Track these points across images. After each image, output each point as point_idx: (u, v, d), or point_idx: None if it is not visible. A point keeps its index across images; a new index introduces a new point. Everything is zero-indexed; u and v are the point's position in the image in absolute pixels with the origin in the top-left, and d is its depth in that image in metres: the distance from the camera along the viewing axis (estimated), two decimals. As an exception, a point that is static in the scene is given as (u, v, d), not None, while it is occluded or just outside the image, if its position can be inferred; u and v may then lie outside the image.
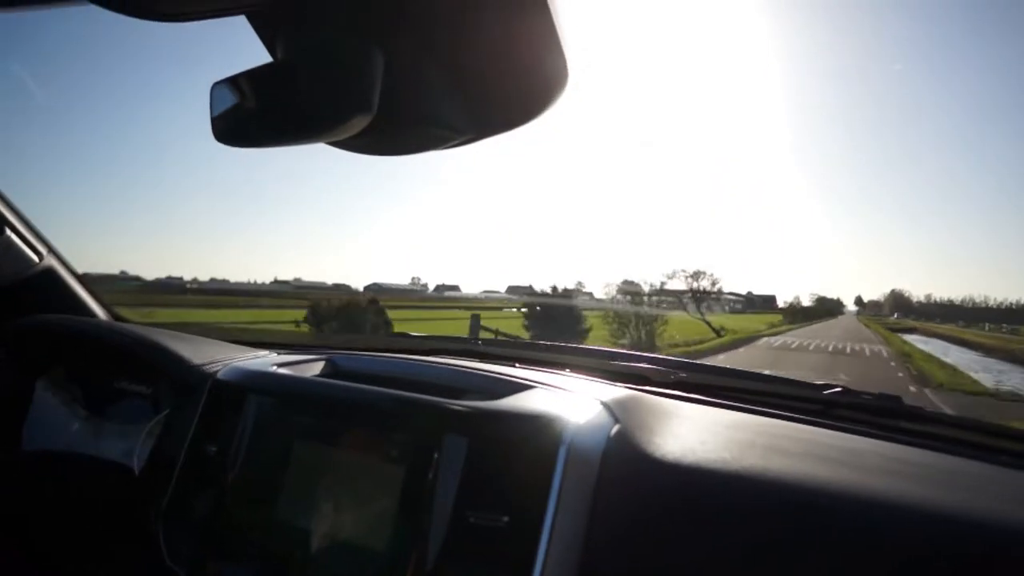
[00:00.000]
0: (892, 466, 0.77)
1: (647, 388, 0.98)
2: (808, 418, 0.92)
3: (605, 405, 0.78)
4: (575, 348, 1.26)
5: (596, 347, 1.25)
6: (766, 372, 1.13)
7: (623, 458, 0.71)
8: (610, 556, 0.67)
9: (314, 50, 0.71)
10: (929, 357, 22.46)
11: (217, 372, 0.95)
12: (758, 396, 0.99)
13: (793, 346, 25.59)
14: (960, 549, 0.59)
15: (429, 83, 0.74)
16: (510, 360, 1.12)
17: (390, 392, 0.76)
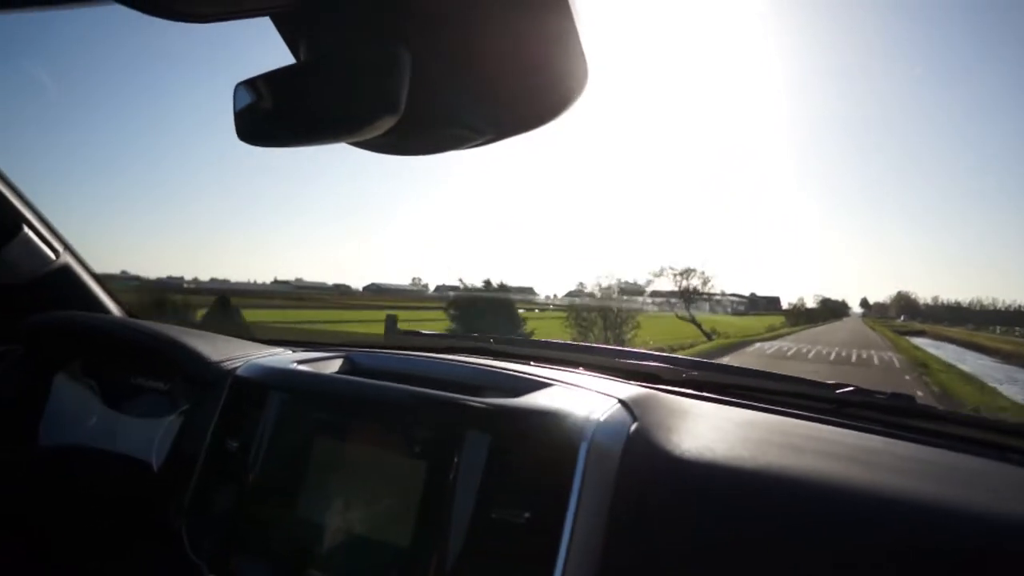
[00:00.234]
0: (906, 464, 0.78)
1: (659, 386, 0.99)
2: (821, 417, 0.93)
3: (623, 403, 0.79)
4: (587, 347, 1.27)
5: (607, 346, 1.26)
6: (776, 372, 1.14)
7: (642, 455, 0.72)
8: (630, 552, 0.68)
9: (340, 51, 0.71)
10: (948, 367, 20.40)
11: (236, 369, 0.96)
12: (770, 395, 1.00)
13: (789, 353, 23.06)
14: (972, 546, 0.60)
15: (451, 84, 0.75)
16: (523, 358, 1.13)
17: (411, 389, 0.77)
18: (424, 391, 0.76)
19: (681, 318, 29.53)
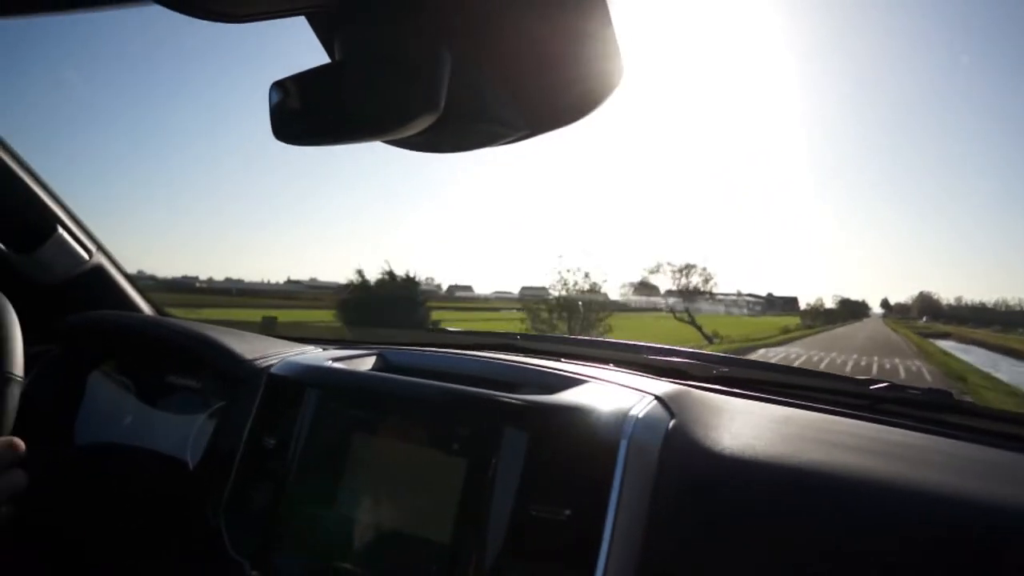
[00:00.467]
0: (947, 461, 0.77)
1: (690, 383, 0.99)
2: (856, 413, 0.92)
3: (659, 399, 0.79)
4: (615, 343, 1.26)
5: (634, 342, 1.26)
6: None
7: (681, 453, 0.72)
8: (671, 550, 0.68)
9: (379, 50, 0.72)
10: (987, 379, 17.23)
11: (270, 366, 0.97)
12: (803, 391, 0.99)
13: (797, 362, 18.23)
14: (1017, 542, 0.60)
15: (487, 81, 0.75)
16: (550, 354, 1.13)
17: (448, 386, 0.77)
18: (461, 388, 0.76)
19: (680, 319, 26.30)
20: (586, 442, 0.70)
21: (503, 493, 0.70)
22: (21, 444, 0.75)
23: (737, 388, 0.99)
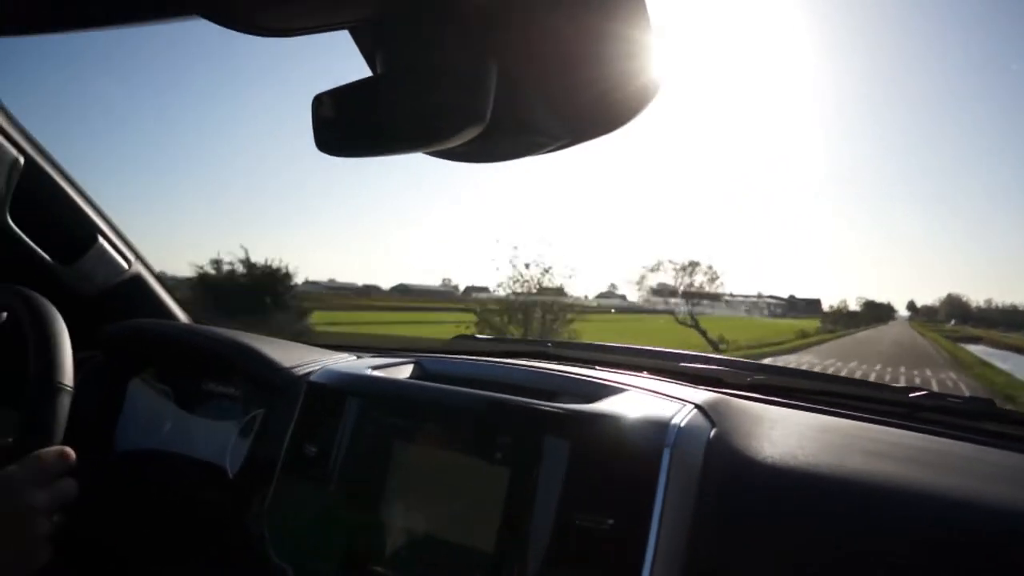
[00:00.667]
0: (992, 470, 0.76)
1: (725, 391, 0.98)
2: (895, 421, 0.91)
3: (700, 408, 0.78)
4: (646, 350, 1.26)
5: (664, 349, 1.25)
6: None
7: (724, 462, 0.72)
8: (716, 560, 0.68)
9: (423, 63, 0.73)
10: None
11: (309, 374, 0.98)
12: (840, 399, 0.98)
13: None
14: None
15: (530, 91, 0.75)
16: (583, 362, 1.13)
17: (490, 395, 0.78)
18: (502, 396, 0.77)
19: (682, 322, 22.75)
20: (628, 451, 0.70)
21: (546, 501, 0.70)
22: (72, 453, 0.77)
23: (773, 396, 0.99)
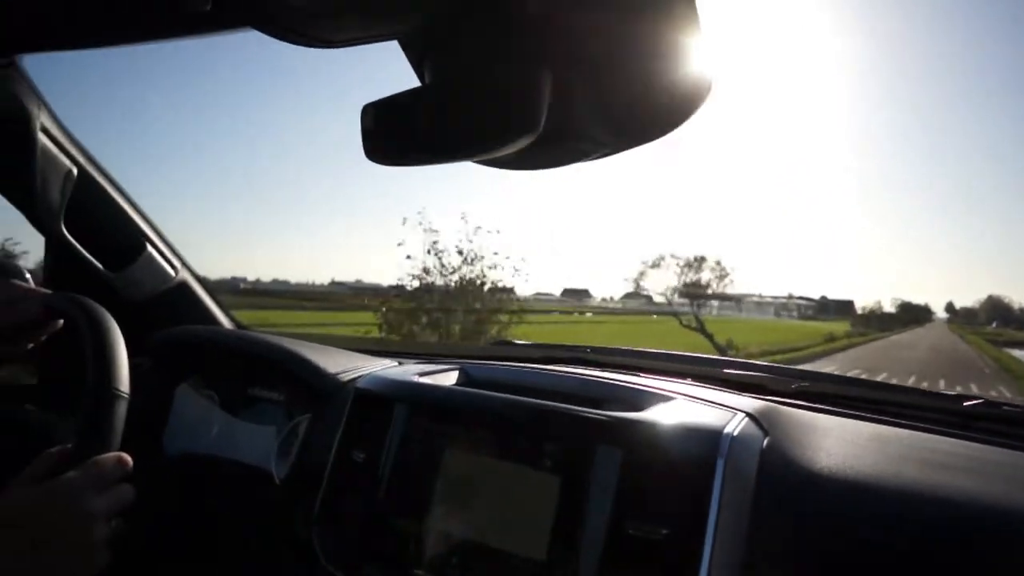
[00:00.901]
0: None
1: (772, 398, 0.97)
2: (949, 431, 0.89)
3: (751, 417, 0.78)
4: (687, 356, 1.25)
5: (704, 355, 1.24)
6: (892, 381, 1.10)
7: (778, 472, 0.71)
8: (771, 571, 0.67)
9: (475, 72, 0.73)
10: None
11: (355, 381, 0.99)
12: (889, 407, 0.96)
13: None
14: None
15: (581, 100, 0.75)
16: (622, 368, 1.12)
17: (540, 403, 0.78)
18: (552, 404, 0.77)
19: (686, 325, 20.38)
20: (681, 461, 0.70)
21: (598, 510, 0.70)
22: (129, 459, 0.78)
23: (819, 403, 0.97)
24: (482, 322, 10.41)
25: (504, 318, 10.62)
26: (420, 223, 10.32)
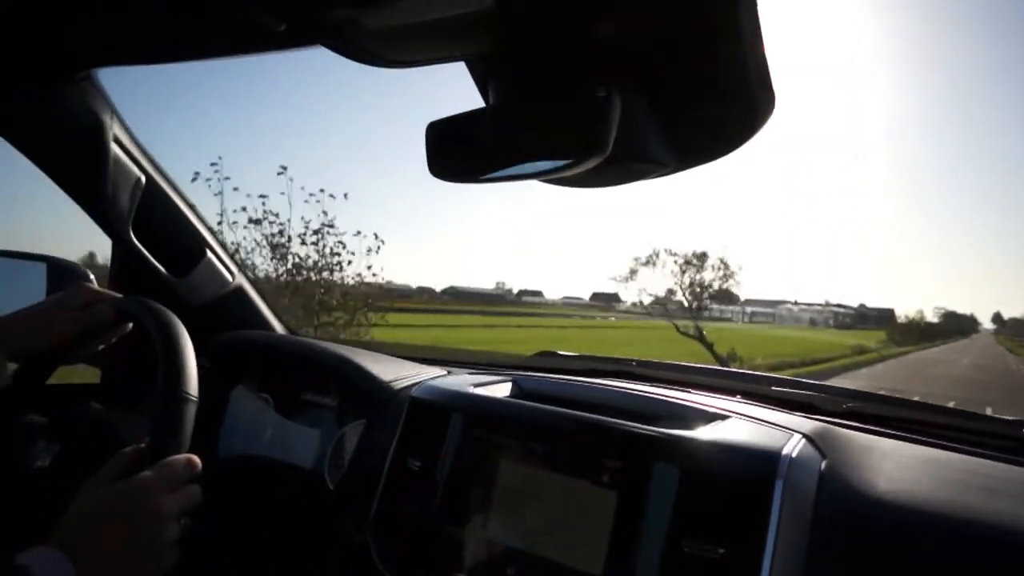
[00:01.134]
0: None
1: (823, 418, 0.97)
2: (1009, 457, 0.88)
3: (808, 438, 0.78)
4: (734, 372, 1.25)
5: (751, 372, 1.24)
6: (949, 404, 1.08)
7: (837, 496, 0.71)
8: None
9: (544, 94, 0.75)
10: None
11: (408, 389, 1.01)
12: (945, 430, 0.95)
13: None
14: None
15: (646, 121, 0.76)
16: (670, 382, 1.12)
17: (597, 418, 0.79)
18: (609, 420, 0.78)
19: (684, 332, 17.27)
20: (739, 480, 0.70)
21: (654, 527, 0.71)
22: (198, 461, 0.81)
23: (872, 424, 0.96)
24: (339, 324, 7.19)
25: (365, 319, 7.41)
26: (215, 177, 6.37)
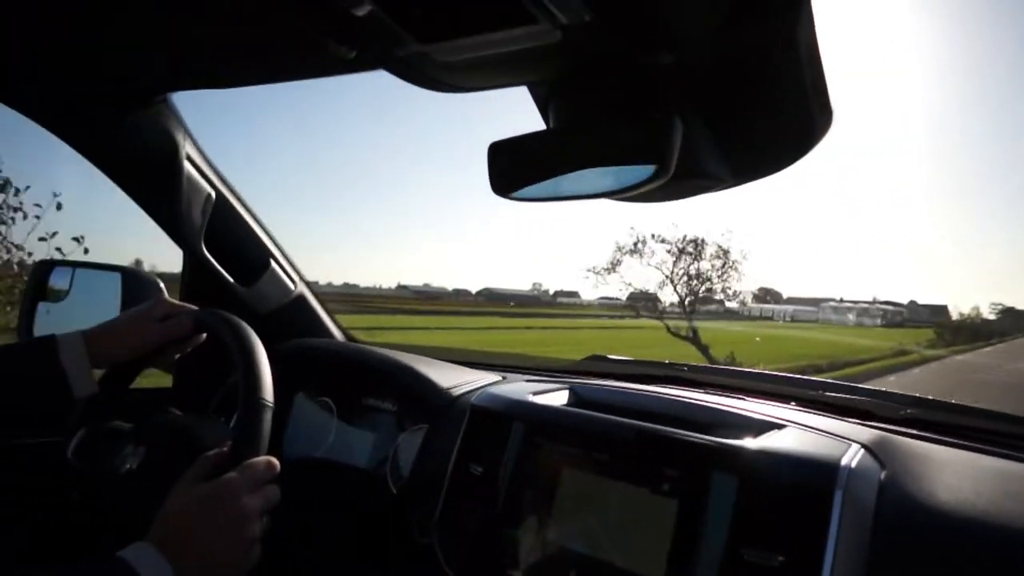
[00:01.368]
0: None
1: (881, 425, 0.96)
2: None
3: (867, 448, 0.78)
4: (789, 378, 1.25)
5: (804, 377, 1.24)
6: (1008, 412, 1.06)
7: (897, 507, 0.72)
8: None
9: (607, 118, 0.77)
10: None
11: (467, 395, 1.05)
12: (1009, 439, 0.94)
13: None
14: None
15: (705, 140, 0.78)
16: (721, 388, 1.13)
17: (656, 428, 0.81)
18: (668, 429, 0.80)
19: (675, 333, 14.39)
20: (799, 490, 0.71)
21: (714, 535, 0.73)
22: (277, 463, 0.86)
23: (931, 432, 0.96)
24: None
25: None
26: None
